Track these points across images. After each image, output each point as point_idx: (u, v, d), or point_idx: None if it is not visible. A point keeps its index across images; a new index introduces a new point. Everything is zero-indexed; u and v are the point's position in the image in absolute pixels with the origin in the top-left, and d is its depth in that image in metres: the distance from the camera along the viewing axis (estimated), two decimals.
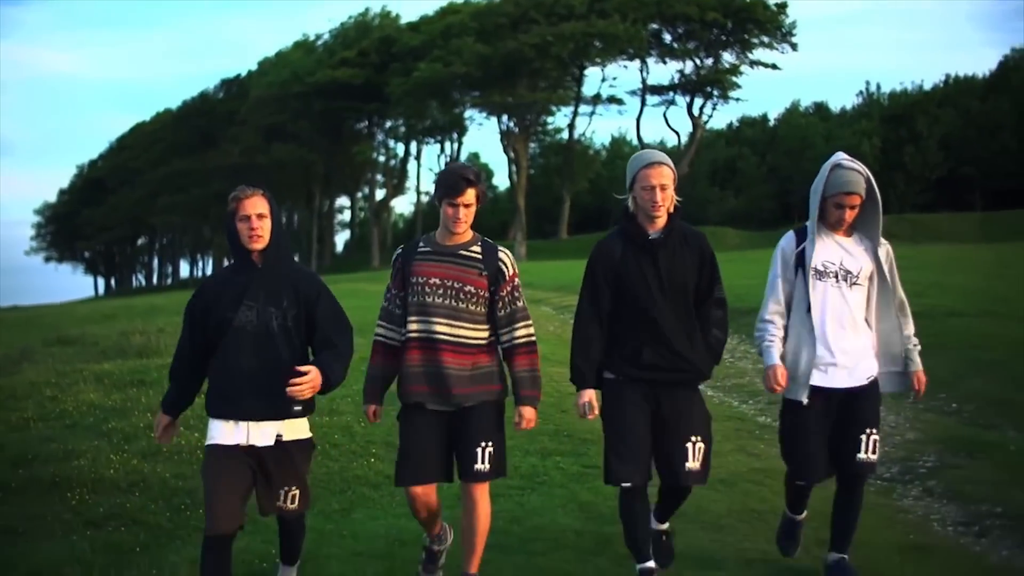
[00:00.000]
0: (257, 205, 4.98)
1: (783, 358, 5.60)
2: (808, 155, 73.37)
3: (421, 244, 5.47)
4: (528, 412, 5.38)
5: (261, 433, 4.97)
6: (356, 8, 77.89)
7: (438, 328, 5.26)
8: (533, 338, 5.51)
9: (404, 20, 78.68)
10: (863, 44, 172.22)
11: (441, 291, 5.29)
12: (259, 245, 5.00)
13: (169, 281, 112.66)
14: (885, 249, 5.65)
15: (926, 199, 69.02)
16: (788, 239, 5.70)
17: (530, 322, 5.51)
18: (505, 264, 5.41)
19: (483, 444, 5.25)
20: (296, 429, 5.09)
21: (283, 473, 5.05)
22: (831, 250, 5.58)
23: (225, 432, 4.98)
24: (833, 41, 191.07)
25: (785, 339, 5.64)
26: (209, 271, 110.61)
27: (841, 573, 5.59)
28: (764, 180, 79.27)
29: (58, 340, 22.18)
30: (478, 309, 5.33)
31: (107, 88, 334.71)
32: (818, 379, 5.54)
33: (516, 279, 5.46)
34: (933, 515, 6.93)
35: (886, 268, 5.62)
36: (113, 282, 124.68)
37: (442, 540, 5.77)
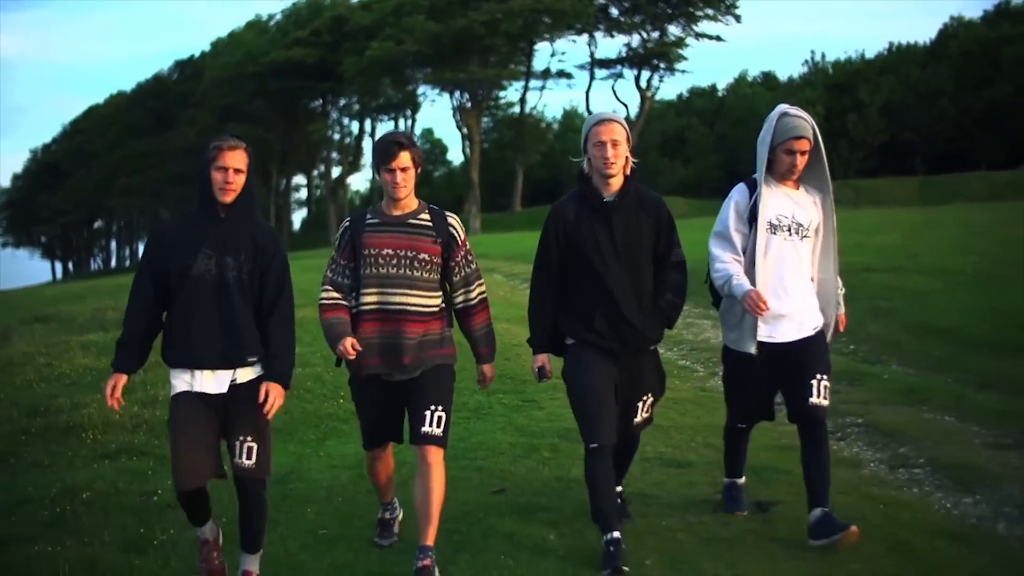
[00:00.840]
0: (237, 159, 4.89)
1: (726, 314, 5.78)
2: (754, 124, 73.23)
3: (369, 216, 5.49)
4: (488, 370, 5.62)
5: (216, 381, 4.94)
6: None
7: (394, 299, 5.29)
8: (486, 296, 5.62)
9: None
10: (810, 14, 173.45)
11: (395, 261, 5.31)
12: (229, 199, 4.92)
13: (127, 264, 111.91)
14: (830, 201, 5.72)
15: (869, 165, 70.46)
16: (741, 191, 5.68)
17: (483, 281, 5.61)
18: (456, 229, 5.46)
19: (433, 407, 5.27)
20: (251, 374, 5.02)
21: (241, 418, 4.98)
22: (783, 203, 5.59)
23: (183, 381, 4.94)
24: (781, 11, 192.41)
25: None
26: None
27: (826, 527, 5.34)
28: (712, 149, 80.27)
29: (35, 319, 23.01)
30: (431, 276, 5.37)
31: (55, 71, 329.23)
32: (765, 333, 5.57)
33: (467, 243, 5.53)
34: None
35: (833, 219, 5.69)
36: (71, 266, 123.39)
37: (393, 509, 5.90)
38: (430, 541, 5.19)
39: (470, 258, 5.53)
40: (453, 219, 5.50)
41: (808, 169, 5.62)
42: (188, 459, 4.81)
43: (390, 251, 5.31)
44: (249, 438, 4.93)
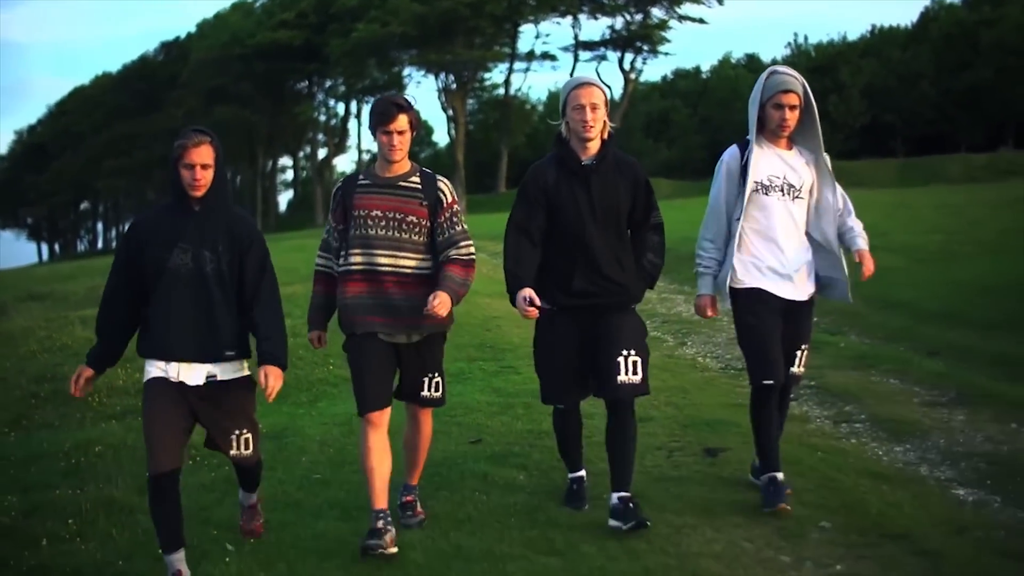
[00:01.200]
0: (203, 155, 4.86)
1: (718, 276, 5.77)
2: (737, 106, 74.58)
3: (361, 177, 5.50)
4: (443, 297, 5.19)
5: (193, 373, 4.94)
6: None
7: (381, 260, 5.31)
8: (473, 257, 5.46)
9: None
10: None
11: (384, 223, 5.32)
12: (199, 194, 4.92)
13: (114, 245, 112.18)
14: (824, 159, 5.72)
15: (851, 146, 70.94)
16: (731, 153, 5.73)
17: (471, 243, 5.46)
18: (444, 192, 5.42)
19: (431, 374, 5.47)
20: (230, 369, 5.04)
21: (230, 414, 5.05)
22: (775, 164, 5.63)
23: (158, 369, 4.94)
24: None
25: (722, 261, 5.75)
26: None
27: (774, 490, 5.50)
28: (696, 131, 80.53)
29: (29, 296, 23.58)
30: (420, 239, 5.37)
31: (37, 51, 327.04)
32: (771, 286, 5.62)
33: (455, 205, 5.47)
34: None
35: (829, 177, 5.71)
36: (57, 247, 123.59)
37: (387, 519, 5.32)
38: (414, 481, 5.63)
39: (455, 220, 5.44)
40: (443, 182, 5.48)
41: (801, 130, 5.66)
42: (162, 441, 4.82)
43: (379, 212, 5.34)
44: (244, 430, 5.06)
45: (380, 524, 5.21)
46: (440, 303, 5.10)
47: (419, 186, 5.39)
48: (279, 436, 7.80)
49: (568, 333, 5.46)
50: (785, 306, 5.64)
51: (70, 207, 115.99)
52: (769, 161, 5.61)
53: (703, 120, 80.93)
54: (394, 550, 5.12)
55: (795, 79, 5.53)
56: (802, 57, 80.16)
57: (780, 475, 5.64)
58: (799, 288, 5.67)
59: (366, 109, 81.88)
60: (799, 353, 5.69)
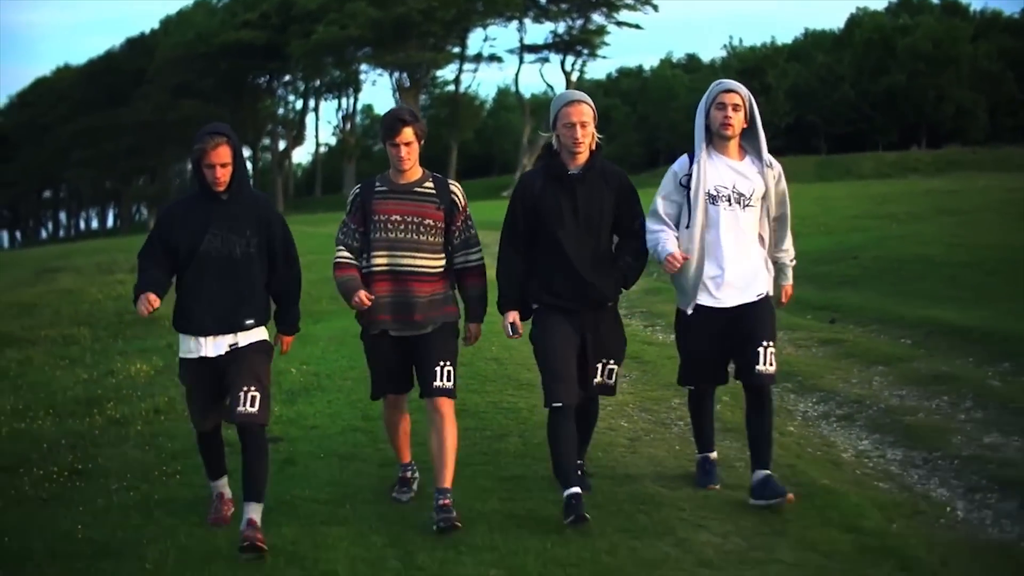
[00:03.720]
0: (221, 155, 5.20)
1: (675, 278, 5.83)
2: (673, 105, 79.72)
3: (377, 183, 5.73)
4: (474, 328, 5.86)
5: (215, 345, 5.37)
6: None
7: (403, 260, 5.59)
8: (483, 262, 5.85)
9: None
10: None
11: (403, 227, 5.59)
12: (222, 188, 5.29)
13: (80, 230, 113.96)
14: (775, 169, 5.77)
15: (777, 144, 74.59)
16: (681, 162, 5.79)
17: (480, 247, 5.85)
18: (457, 196, 5.75)
19: (442, 363, 5.59)
20: (249, 335, 5.43)
21: (241, 372, 5.29)
22: (723, 173, 5.67)
23: (190, 346, 5.42)
24: None
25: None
26: (110, 223, 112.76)
27: (767, 489, 5.52)
28: (634, 128, 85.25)
29: (46, 269, 26.61)
30: (436, 240, 5.66)
31: None
32: (707, 299, 5.71)
33: (467, 209, 5.82)
34: None
35: (772, 188, 5.72)
36: (18, 235, 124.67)
37: (413, 469, 6.16)
38: (448, 484, 5.53)
39: (470, 223, 5.81)
40: (455, 187, 5.79)
41: (747, 139, 5.73)
42: (201, 408, 5.55)
43: (398, 217, 5.60)
44: (252, 388, 5.25)
45: (408, 474, 6.13)
46: (474, 337, 5.94)
47: (433, 191, 5.71)
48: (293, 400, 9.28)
49: (563, 329, 5.65)
50: (733, 313, 5.68)
51: (32, 196, 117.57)
52: (717, 171, 5.68)
53: (641, 118, 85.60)
54: (414, 489, 6.07)
55: (738, 85, 5.68)
56: (735, 59, 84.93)
57: (714, 454, 6.25)
58: (741, 293, 5.69)
59: (323, 105, 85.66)
60: (761, 351, 5.56)
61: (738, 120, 5.61)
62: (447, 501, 5.45)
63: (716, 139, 5.71)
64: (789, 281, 5.99)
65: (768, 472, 5.58)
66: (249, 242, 5.38)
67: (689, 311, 5.75)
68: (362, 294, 5.51)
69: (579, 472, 5.81)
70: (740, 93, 5.61)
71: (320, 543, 5.31)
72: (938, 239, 16.67)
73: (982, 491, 5.90)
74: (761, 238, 5.80)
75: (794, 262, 6.00)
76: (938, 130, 73.71)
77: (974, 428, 7.16)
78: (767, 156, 5.70)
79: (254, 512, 5.25)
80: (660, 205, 5.75)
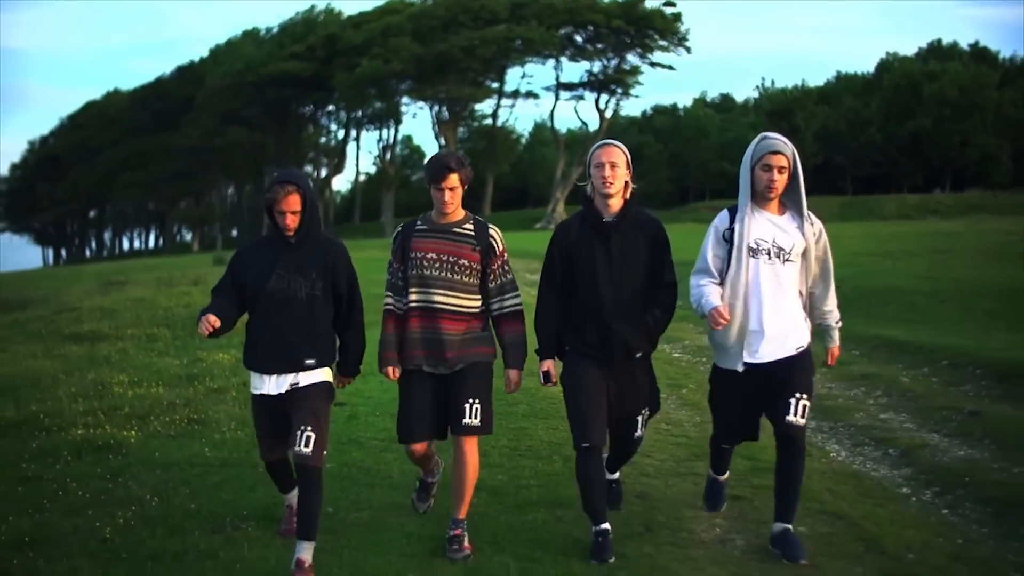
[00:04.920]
0: (291, 203, 5.32)
1: (714, 335, 5.74)
2: (704, 144, 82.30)
3: (419, 223, 5.77)
4: (514, 375, 5.70)
5: (277, 383, 5.46)
6: (301, 3, 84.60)
7: (436, 298, 5.61)
8: (520, 307, 5.80)
9: (346, 14, 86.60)
10: (771, 37, 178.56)
11: (438, 264, 5.61)
12: (291, 234, 5.41)
13: (124, 250, 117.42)
14: (815, 227, 5.68)
15: (806, 185, 77.29)
16: (721, 217, 5.75)
17: (518, 293, 5.81)
18: (495, 240, 5.71)
19: (471, 400, 5.59)
20: (311, 375, 5.49)
21: (301, 411, 5.36)
22: (764, 227, 5.60)
23: (255, 383, 5.54)
24: (753, 30, 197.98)
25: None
26: (152, 243, 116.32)
27: (785, 544, 5.54)
28: (666, 165, 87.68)
29: (111, 282, 28.86)
30: (471, 280, 5.65)
31: (39, 61, 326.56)
32: (748, 355, 5.62)
33: (505, 254, 5.78)
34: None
35: (812, 245, 5.62)
36: (63, 252, 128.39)
37: (435, 473, 6.26)
38: (462, 515, 5.69)
39: (506, 268, 5.79)
40: (494, 231, 5.78)
41: (788, 194, 5.65)
42: (265, 441, 5.71)
43: (434, 255, 5.63)
44: (309, 428, 5.28)
45: (429, 479, 6.29)
46: (514, 384, 5.76)
47: (472, 233, 5.70)
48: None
49: (592, 372, 5.67)
50: (771, 367, 5.61)
51: (80, 215, 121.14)
52: (759, 225, 5.62)
53: (673, 155, 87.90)
54: (431, 501, 6.30)
55: (784, 143, 5.58)
56: (766, 100, 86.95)
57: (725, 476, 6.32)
58: (781, 347, 5.61)
59: (364, 135, 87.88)
60: (793, 401, 5.50)
61: (783, 182, 5.56)
62: (458, 532, 5.65)
63: (758, 196, 5.65)
64: (836, 343, 5.94)
65: (788, 526, 5.60)
66: (314, 284, 5.47)
67: (740, 368, 5.66)
68: (390, 370, 5.71)
69: (612, 484, 6.20)
70: (786, 153, 5.56)
71: (379, 462, 7.42)
72: (913, 273, 18.69)
73: (862, 446, 8.03)
74: (800, 294, 5.72)
75: (839, 324, 5.91)
76: (962, 174, 75.64)
77: (875, 409, 9.29)
78: (807, 212, 5.66)
79: (305, 552, 5.31)
80: (709, 259, 5.72)
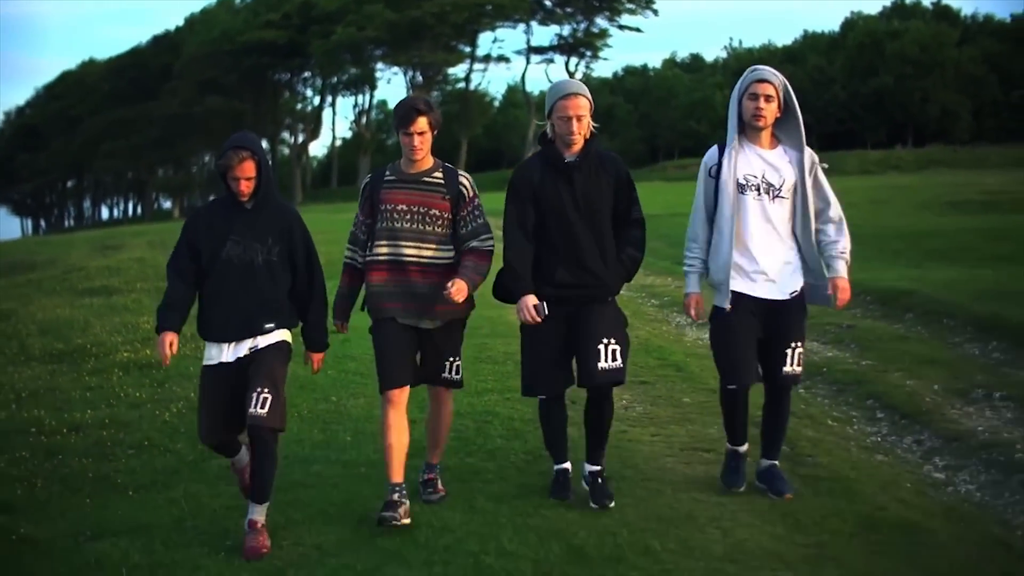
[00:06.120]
0: (246, 169, 5.15)
1: (707, 267, 5.64)
2: (673, 104, 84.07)
3: (387, 173, 5.60)
4: (460, 284, 5.27)
5: (235, 350, 5.29)
6: None
7: (406, 251, 5.44)
8: (492, 248, 5.56)
9: None
10: None
11: (408, 216, 5.44)
12: (246, 199, 5.26)
13: (102, 218, 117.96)
14: (810, 159, 5.50)
15: None
16: (710, 153, 5.63)
17: (491, 236, 5.58)
18: (465, 187, 5.55)
19: (452, 358, 5.64)
20: (270, 337, 5.33)
21: (256, 373, 5.19)
22: (753, 163, 5.48)
23: (212, 354, 5.31)
24: None
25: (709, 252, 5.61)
26: (132, 212, 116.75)
27: (771, 478, 5.62)
28: (636, 125, 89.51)
29: (106, 246, 29.87)
30: (443, 231, 5.50)
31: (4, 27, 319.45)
32: (742, 286, 5.50)
33: (476, 199, 5.59)
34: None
35: (808, 179, 5.48)
36: (42, 223, 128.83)
37: (402, 492, 5.44)
38: (436, 460, 5.79)
39: (478, 213, 5.59)
40: (464, 177, 5.61)
41: (783, 129, 5.53)
42: (208, 423, 5.35)
43: (404, 207, 5.46)
44: (265, 389, 5.13)
45: (396, 497, 5.39)
46: (457, 289, 5.23)
47: (442, 181, 5.52)
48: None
49: (553, 325, 5.49)
50: (764, 306, 5.51)
51: (57, 184, 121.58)
52: (747, 160, 5.49)
53: (643, 116, 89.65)
54: (407, 521, 5.32)
55: (772, 73, 5.46)
56: (733, 60, 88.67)
57: (744, 448, 5.86)
58: (776, 287, 5.51)
59: (340, 101, 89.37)
60: (789, 352, 5.51)
61: (770, 111, 5.42)
62: (432, 476, 5.79)
63: (748, 129, 5.53)
64: (839, 274, 5.54)
65: (774, 462, 5.72)
66: (271, 250, 5.31)
67: (727, 306, 5.53)
68: (340, 325, 5.71)
69: (599, 479, 5.69)
70: (773, 83, 5.42)
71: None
72: None
73: None
74: (794, 234, 5.57)
75: (844, 254, 5.58)
76: (924, 130, 77.52)
77: None
78: (804, 146, 5.52)
79: (257, 514, 5.26)
80: (701, 202, 5.63)
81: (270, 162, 5.52)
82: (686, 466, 6.34)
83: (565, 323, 5.52)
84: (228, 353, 5.29)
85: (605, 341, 5.43)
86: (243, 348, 5.28)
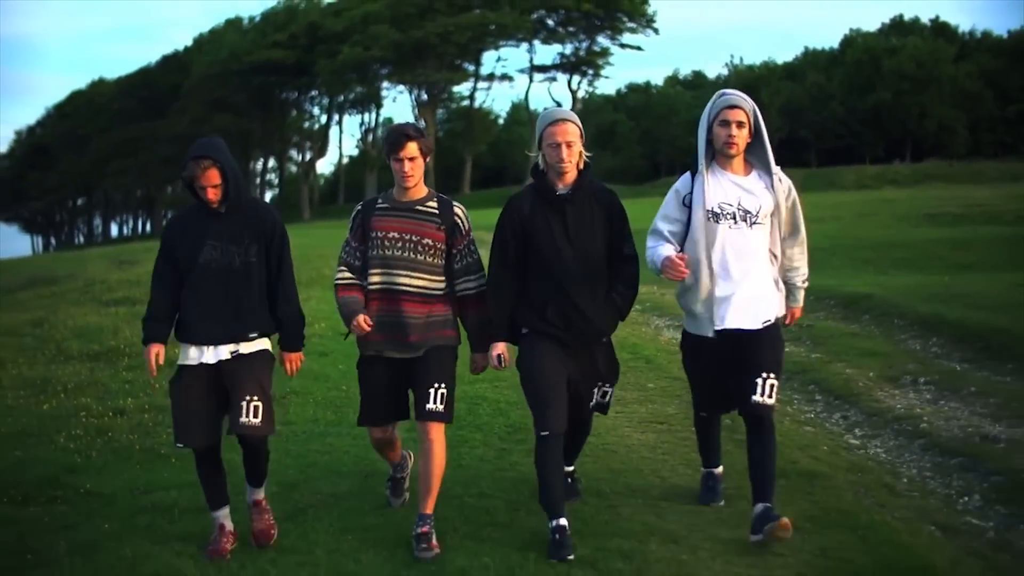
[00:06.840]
0: (210, 178, 5.14)
1: (683, 296, 5.57)
2: (675, 120, 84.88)
3: (380, 201, 5.57)
4: (479, 359, 5.56)
5: (217, 352, 5.29)
6: None
7: (399, 279, 5.39)
8: (484, 289, 5.55)
9: (326, 2, 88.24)
10: (738, 13, 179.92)
11: (400, 244, 5.39)
12: (216, 206, 5.27)
13: (112, 236, 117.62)
14: (784, 184, 5.42)
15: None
16: (683, 180, 5.50)
17: (484, 273, 5.58)
18: (460, 219, 5.50)
19: (436, 385, 5.37)
20: (252, 345, 5.35)
21: (245, 381, 5.23)
22: (728, 190, 5.36)
23: (190, 356, 5.30)
24: (720, 7, 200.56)
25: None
26: (141, 228, 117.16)
27: (765, 521, 5.16)
28: (637, 142, 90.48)
29: (123, 261, 30.50)
30: (435, 261, 5.44)
31: (14, 48, 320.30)
32: (717, 323, 5.38)
33: (471, 233, 5.57)
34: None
35: (786, 204, 5.42)
36: (52, 240, 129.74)
37: (403, 467, 6.00)
38: (429, 510, 5.38)
39: (472, 248, 5.57)
40: (459, 208, 5.55)
41: (754, 153, 5.43)
42: (183, 422, 5.30)
43: (396, 234, 5.41)
44: (255, 397, 5.20)
45: (399, 475, 6.00)
46: (480, 368, 5.68)
47: (436, 211, 5.48)
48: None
49: (551, 355, 5.42)
50: (735, 336, 5.36)
51: (67, 202, 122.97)
52: (720, 187, 5.37)
53: (644, 132, 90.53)
54: (406, 495, 5.96)
55: (742, 98, 5.35)
56: (734, 77, 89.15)
57: (718, 470, 6.05)
58: (755, 316, 5.36)
59: (347, 119, 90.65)
60: (760, 382, 5.24)
61: (742, 137, 5.32)
62: (425, 528, 5.31)
63: (719, 156, 5.41)
64: (799, 304, 5.72)
65: (767, 505, 5.24)
66: (248, 251, 5.33)
67: (711, 335, 5.42)
68: (361, 318, 5.32)
69: (569, 479, 5.82)
70: (744, 107, 5.31)
71: None
72: (825, 233, 21.25)
73: None
74: (773, 257, 5.48)
75: (806, 284, 5.71)
76: (921, 145, 78.17)
77: None
78: (776, 169, 5.42)
79: (258, 493, 5.46)
80: (660, 224, 5.52)
81: (237, 166, 5.43)
82: (641, 435, 7.53)
83: (565, 355, 5.46)
84: (209, 355, 5.30)
85: (600, 384, 5.64)
86: (224, 352, 5.30)
